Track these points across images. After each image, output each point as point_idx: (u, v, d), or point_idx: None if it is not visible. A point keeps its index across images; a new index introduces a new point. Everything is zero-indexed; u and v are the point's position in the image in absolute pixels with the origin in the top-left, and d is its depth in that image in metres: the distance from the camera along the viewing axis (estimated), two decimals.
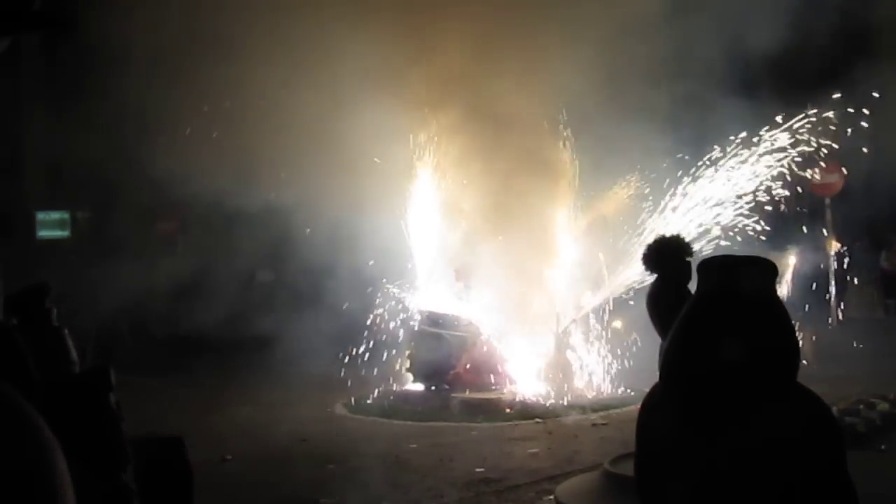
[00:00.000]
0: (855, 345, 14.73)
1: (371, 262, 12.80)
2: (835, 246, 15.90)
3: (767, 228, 12.16)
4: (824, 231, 15.75)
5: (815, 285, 15.48)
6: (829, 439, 2.37)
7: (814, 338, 13.67)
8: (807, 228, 14.77)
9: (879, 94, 12.72)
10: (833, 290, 16.07)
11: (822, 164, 13.28)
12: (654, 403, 2.67)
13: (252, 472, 8.69)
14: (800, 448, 2.33)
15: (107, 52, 11.81)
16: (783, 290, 14.20)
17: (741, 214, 11.96)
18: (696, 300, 2.58)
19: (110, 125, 12.48)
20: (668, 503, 2.52)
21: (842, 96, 12.38)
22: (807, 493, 2.32)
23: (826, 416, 2.40)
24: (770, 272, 2.54)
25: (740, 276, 2.54)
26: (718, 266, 2.65)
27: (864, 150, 13.10)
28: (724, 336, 2.40)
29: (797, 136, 11.98)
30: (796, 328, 2.54)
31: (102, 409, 2.85)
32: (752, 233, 11.97)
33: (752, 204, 12.01)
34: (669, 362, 2.62)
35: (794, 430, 2.34)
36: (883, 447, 8.61)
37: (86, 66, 12.45)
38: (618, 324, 12.45)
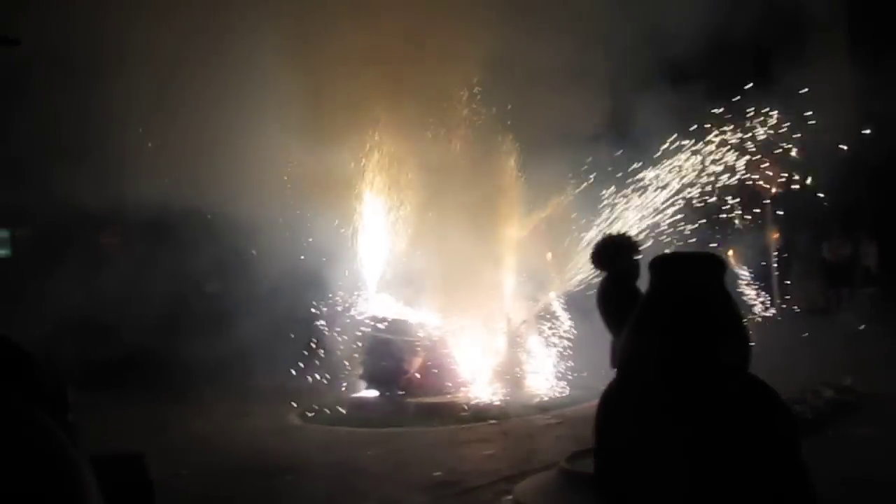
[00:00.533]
0: (799, 334, 15.08)
1: (321, 271, 12.76)
2: (777, 239, 16.22)
3: (704, 221, 12.35)
4: (767, 224, 16.06)
5: (760, 276, 15.82)
6: (785, 426, 2.44)
7: (759, 329, 13.96)
8: (750, 222, 15.03)
9: (819, 87, 13.00)
10: (776, 281, 16.39)
11: (764, 158, 13.53)
12: (612, 399, 2.72)
13: (207, 486, 8.59)
14: (757, 436, 2.39)
15: (42, 65, 11.60)
16: (736, 282, 14.51)
17: (683, 210, 12.13)
18: (650, 296, 2.64)
19: (49, 141, 12.27)
20: (630, 498, 2.56)
21: (782, 91, 12.63)
22: (765, 479, 2.39)
23: (780, 404, 2.47)
24: (719, 266, 2.61)
25: (691, 271, 2.61)
26: (670, 262, 2.71)
27: (797, 147, 13.35)
28: (675, 331, 2.46)
29: (739, 131, 12.19)
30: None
31: (61, 427, 2.81)
32: (690, 230, 12.14)
33: (697, 200, 12.18)
34: (626, 358, 2.68)
35: (750, 418, 2.41)
36: (831, 433, 8.81)
37: (20, 80, 12.21)
38: (566, 322, 12.55)
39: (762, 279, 16.23)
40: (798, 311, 16.28)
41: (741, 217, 13.70)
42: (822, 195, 15.49)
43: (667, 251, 3.25)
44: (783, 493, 2.39)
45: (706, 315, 2.51)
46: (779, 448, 2.39)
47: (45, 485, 1.30)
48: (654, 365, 2.51)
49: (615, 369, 2.77)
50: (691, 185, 12.08)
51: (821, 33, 15.79)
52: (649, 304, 2.63)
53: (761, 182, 14.63)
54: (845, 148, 13.80)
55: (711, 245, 12.28)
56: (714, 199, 12.23)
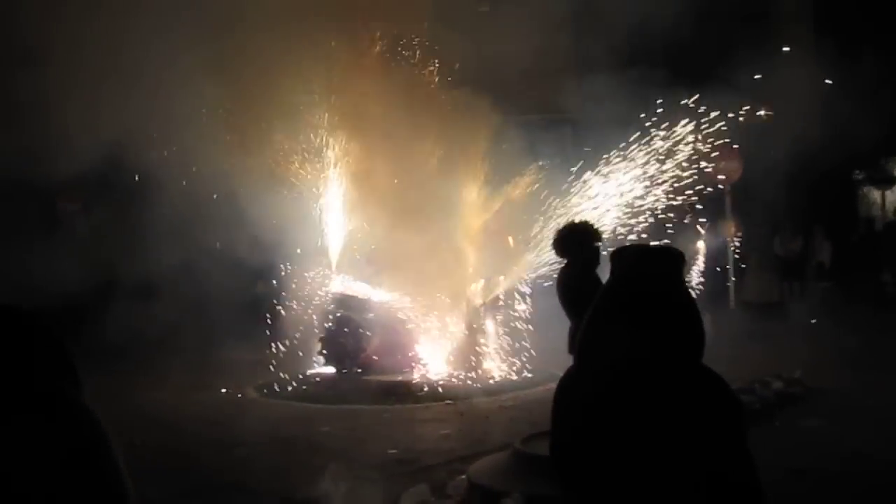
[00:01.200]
0: (751, 326, 15.35)
1: (283, 246, 12.74)
2: (733, 232, 16.45)
3: (670, 215, 12.49)
4: (721, 218, 16.26)
5: (717, 269, 16.06)
6: (733, 415, 2.53)
7: (713, 320, 14.19)
8: (708, 215, 15.22)
9: (777, 79, 13.19)
10: (731, 274, 16.64)
11: (722, 151, 13.70)
12: (569, 385, 2.80)
13: (161, 459, 8.55)
14: (705, 423, 2.49)
15: None
16: (693, 275, 14.72)
17: (642, 204, 12.26)
18: (609, 285, 2.72)
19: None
20: (585, 480, 2.64)
21: (741, 82, 12.79)
22: (711, 465, 2.48)
23: (728, 394, 2.57)
24: (678, 259, 2.70)
25: (650, 263, 2.69)
26: (629, 254, 2.80)
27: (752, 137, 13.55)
28: (633, 320, 2.55)
29: (697, 122, 12.32)
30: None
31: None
32: (653, 220, 12.28)
33: (656, 192, 12.31)
34: (584, 346, 2.76)
35: (701, 407, 2.50)
36: (778, 424, 9.03)
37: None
38: (524, 306, 12.65)
39: (721, 271, 16.47)
40: (752, 303, 16.52)
41: (695, 217, 13.85)
42: (778, 190, 15.75)
43: (628, 243, 3.34)
44: (728, 478, 2.50)
45: (664, 306, 2.60)
46: (725, 435, 2.49)
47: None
48: (612, 353, 2.59)
49: (572, 355, 2.85)
50: (650, 176, 12.20)
51: (789, 33, 16.00)
52: (609, 293, 2.72)
53: (720, 174, 14.82)
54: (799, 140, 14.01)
55: (668, 234, 12.43)
56: (672, 191, 12.35)
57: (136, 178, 12.50)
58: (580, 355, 2.77)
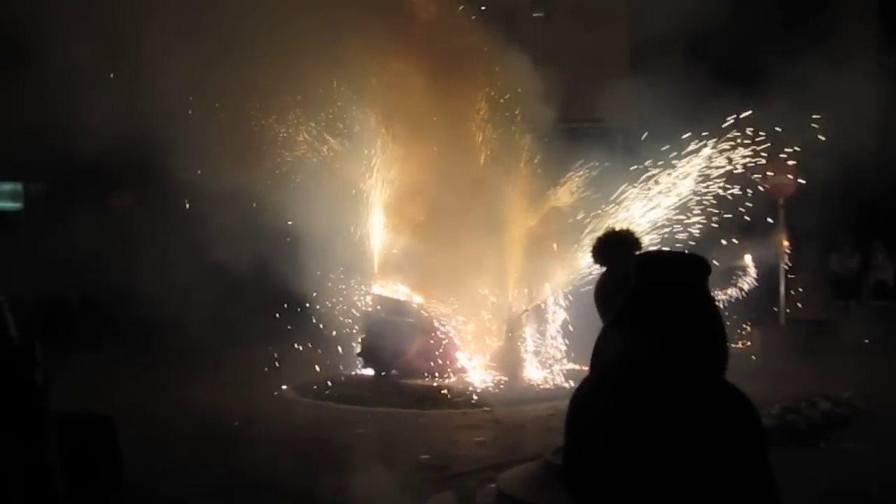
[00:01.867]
0: (802, 345, 14.98)
1: (328, 249, 12.73)
2: (785, 247, 16.07)
3: (716, 226, 12.26)
4: (774, 233, 15.91)
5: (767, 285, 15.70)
6: (752, 438, 2.40)
7: (763, 337, 13.89)
8: (761, 229, 14.91)
9: (835, 93, 12.86)
10: (783, 290, 16.26)
11: (776, 165, 13.43)
12: (584, 396, 2.68)
13: (195, 454, 8.60)
14: (724, 446, 2.36)
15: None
16: (743, 287, 14.40)
17: (693, 212, 12.05)
18: (630, 295, 2.60)
19: (64, 95, 12.22)
20: (598, 495, 2.53)
21: (797, 96, 12.49)
22: (728, 487, 2.35)
23: (750, 413, 2.43)
24: (701, 269, 2.56)
25: (674, 272, 2.56)
26: (653, 262, 2.67)
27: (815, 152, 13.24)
28: (652, 330, 2.42)
29: (751, 136, 12.08)
30: (748, 327, 2.57)
31: (25, 385, 2.79)
32: (697, 232, 12.06)
33: (706, 203, 12.09)
34: (601, 356, 2.64)
35: (717, 425, 2.37)
36: (823, 445, 8.76)
37: (31, 31, 12.16)
38: (566, 314, 12.49)
39: (772, 287, 16.11)
40: (803, 321, 16.13)
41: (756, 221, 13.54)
42: (834, 206, 15.37)
43: (651, 249, 3.21)
44: (746, 500, 2.36)
45: (687, 317, 2.46)
46: (744, 455, 2.36)
47: None
48: (628, 364, 2.47)
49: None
50: (705, 183, 11.98)
51: (847, 36, 15.62)
52: (630, 303, 2.59)
53: (774, 189, 14.52)
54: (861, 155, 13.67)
55: (723, 243, 12.18)
56: (727, 198, 12.12)
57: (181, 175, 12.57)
58: (596, 364, 2.66)
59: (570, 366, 12.56)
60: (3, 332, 5.25)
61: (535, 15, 17.18)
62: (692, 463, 2.36)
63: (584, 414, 2.67)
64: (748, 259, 14.65)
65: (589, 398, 2.67)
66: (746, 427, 2.41)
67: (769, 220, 15.33)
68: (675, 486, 2.38)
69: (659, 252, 2.82)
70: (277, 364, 13.01)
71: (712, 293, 2.65)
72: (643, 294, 2.58)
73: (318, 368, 12.56)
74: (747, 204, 12.50)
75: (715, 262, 2.88)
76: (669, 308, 2.49)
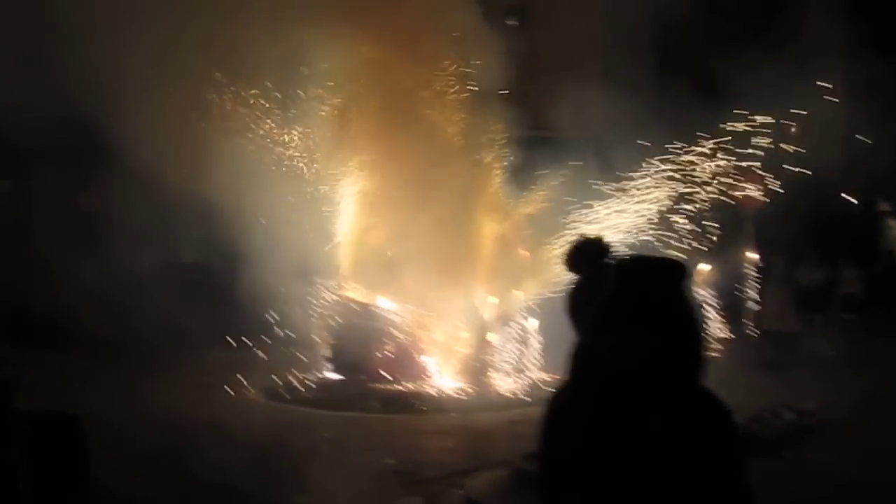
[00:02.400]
0: (767, 356, 15.09)
1: (294, 248, 12.65)
2: (752, 258, 16.19)
3: (688, 238, 12.34)
4: (741, 244, 16.03)
5: (733, 294, 15.81)
6: (728, 442, 2.39)
7: (728, 346, 13.94)
8: (728, 240, 15.02)
9: (805, 105, 13.01)
10: (749, 301, 16.38)
11: (745, 176, 13.53)
12: (560, 401, 2.67)
13: (162, 456, 8.48)
14: (699, 448, 2.35)
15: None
16: (708, 300, 14.47)
17: (660, 222, 12.12)
18: (607, 299, 2.59)
19: (29, 87, 12.06)
20: (575, 497, 2.51)
21: (767, 108, 12.62)
22: (705, 494, 2.34)
23: (725, 420, 2.42)
24: (679, 273, 2.56)
25: (649, 275, 2.55)
26: (629, 266, 2.67)
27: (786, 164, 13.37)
28: (629, 333, 2.41)
29: (721, 147, 12.18)
30: (708, 336, 2.56)
31: None
32: (666, 241, 12.13)
33: (673, 214, 12.17)
34: (578, 359, 2.63)
35: (694, 430, 2.36)
36: (787, 456, 8.81)
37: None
38: (535, 322, 12.49)
39: (738, 298, 16.23)
40: (769, 332, 16.24)
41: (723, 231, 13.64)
42: (802, 218, 15.53)
43: (629, 254, 3.21)
44: (727, 498, 2.36)
45: (663, 318, 2.46)
46: (720, 459, 2.35)
47: None
48: (606, 367, 2.46)
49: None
50: (671, 198, 12.06)
51: (814, 52, 15.81)
52: (608, 305, 2.58)
53: (743, 200, 14.62)
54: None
55: (688, 259, 12.24)
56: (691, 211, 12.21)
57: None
58: (574, 368, 2.64)
59: (539, 373, 12.56)
60: None
61: (508, 23, 17.27)
62: (666, 467, 2.36)
63: (562, 415, 2.66)
64: (706, 268, 14.72)
65: (567, 400, 2.65)
66: (726, 429, 2.41)
67: (734, 231, 15.45)
68: (649, 491, 2.37)
69: (637, 256, 2.82)
70: (243, 367, 12.89)
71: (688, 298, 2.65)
72: (621, 298, 2.57)
73: (282, 372, 12.44)
74: (710, 217, 12.59)
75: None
76: (647, 310, 2.48)
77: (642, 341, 2.40)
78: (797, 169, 13.44)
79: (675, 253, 11.93)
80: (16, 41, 10.90)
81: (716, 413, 2.40)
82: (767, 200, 15.59)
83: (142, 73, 11.48)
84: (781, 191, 14.64)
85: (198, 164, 11.84)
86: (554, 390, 2.74)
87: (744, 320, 15.82)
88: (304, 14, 11.70)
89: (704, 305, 13.92)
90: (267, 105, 12.74)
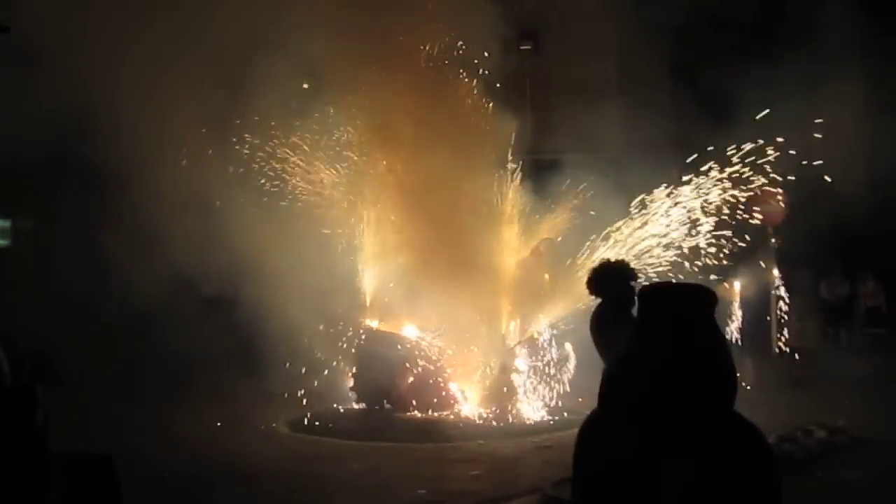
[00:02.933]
0: (795, 373, 14.98)
1: (319, 281, 12.70)
2: (776, 275, 16.09)
3: (710, 256, 12.28)
4: (764, 261, 15.93)
5: (758, 314, 15.69)
6: (765, 466, 2.37)
7: (755, 365, 13.86)
8: (749, 258, 14.93)
9: (824, 120, 12.96)
10: (774, 319, 16.26)
11: (765, 192, 13.48)
12: (593, 427, 2.66)
13: (188, 492, 8.50)
14: (736, 471, 2.33)
15: (41, 51, 11.56)
16: (733, 319, 14.40)
17: (683, 244, 12.07)
18: (637, 325, 2.58)
19: (54, 130, 12.23)
20: None
21: (787, 124, 12.58)
22: None
23: (761, 442, 2.41)
24: (709, 299, 2.55)
25: (679, 301, 2.54)
26: (658, 292, 2.66)
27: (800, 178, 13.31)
28: (662, 360, 2.40)
29: (742, 162, 12.14)
30: (737, 356, 2.55)
31: (25, 426, 2.75)
32: (689, 260, 12.07)
33: (696, 233, 12.12)
34: (610, 386, 2.62)
35: (731, 453, 2.34)
36: (820, 474, 8.71)
37: (21, 68, 12.19)
38: (567, 346, 12.44)
39: (763, 316, 16.10)
40: (796, 349, 16.12)
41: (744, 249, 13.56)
42: (822, 233, 15.43)
43: (656, 281, 3.20)
44: None
45: (692, 347, 2.45)
46: (757, 486, 2.33)
47: None
48: (637, 396, 2.44)
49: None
50: (694, 211, 12.01)
51: (836, 67, 15.77)
52: (636, 334, 2.58)
53: (764, 216, 14.55)
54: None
55: (712, 278, 12.17)
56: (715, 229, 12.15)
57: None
58: (605, 396, 2.63)
59: (564, 398, 12.50)
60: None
61: (522, 48, 17.35)
62: (702, 496, 2.34)
63: (590, 446, 2.65)
64: (735, 287, 14.65)
65: (598, 429, 2.64)
66: (758, 457, 2.39)
67: (759, 247, 15.36)
68: None
69: (665, 283, 2.81)
70: (269, 399, 12.93)
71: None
72: (649, 325, 2.56)
73: (307, 403, 12.47)
74: (732, 234, 12.54)
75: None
76: (675, 338, 2.47)
77: (672, 372, 2.39)
78: (818, 182, 13.36)
79: (698, 272, 11.87)
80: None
81: (752, 440, 2.38)
82: (788, 215, 15.55)
83: (172, 112, 11.66)
84: (803, 205, 14.60)
85: (219, 197, 11.98)
86: (585, 417, 2.73)
87: (771, 338, 15.69)
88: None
89: (730, 324, 13.87)
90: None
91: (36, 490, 2.76)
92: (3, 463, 2.12)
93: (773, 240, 15.89)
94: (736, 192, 12.16)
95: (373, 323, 13.04)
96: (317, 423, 11.89)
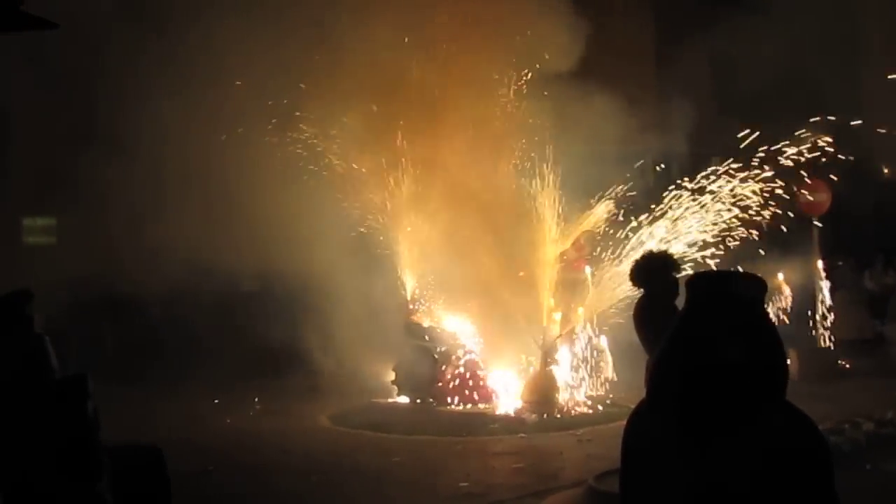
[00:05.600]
0: (842, 364, 14.77)
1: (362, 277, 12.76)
2: (820, 266, 15.86)
3: (757, 246, 12.15)
4: (812, 250, 15.73)
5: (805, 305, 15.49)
6: (819, 455, 2.33)
7: (801, 357, 13.68)
8: (795, 248, 14.76)
9: (866, 110, 12.76)
10: (820, 309, 16.05)
11: (810, 182, 13.32)
12: (640, 418, 2.63)
13: (233, 484, 8.61)
14: (790, 463, 2.30)
15: (94, 56, 11.74)
16: (782, 308, 14.24)
17: (727, 234, 11.94)
18: (686, 311, 2.54)
19: (101, 131, 12.42)
20: None
21: (829, 115, 12.41)
22: None
23: (815, 433, 2.37)
24: (760, 285, 2.51)
25: (730, 286, 2.51)
26: (709, 277, 2.63)
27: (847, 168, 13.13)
28: (713, 344, 2.37)
29: (785, 152, 12.00)
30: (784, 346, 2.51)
31: (79, 417, 2.79)
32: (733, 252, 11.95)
33: (739, 224, 11.99)
34: (659, 374, 2.59)
35: (785, 444, 2.31)
36: (868, 467, 8.58)
37: (70, 71, 12.39)
38: (602, 340, 12.38)
39: (808, 306, 15.91)
40: (842, 340, 15.89)
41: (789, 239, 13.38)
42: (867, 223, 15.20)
43: (702, 270, 3.17)
44: None
45: (744, 336, 2.41)
46: (812, 479, 2.29)
47: None
48: (685, 387, 2.41)
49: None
50: (740, 207, 11.88)
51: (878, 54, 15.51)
52: (684, 323, 2.54)
53: (809, 206, 14.38)
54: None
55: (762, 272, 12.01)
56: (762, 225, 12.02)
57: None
58: (653, 385, 2.60)
59: (606, 390, 12.45)
60: (47, 366, 5.29)
61: None
62: (754, 490, 2.31)
63: (639, 436, 2.62)
64: (780, 277, 14.46)
65: (645, 420, 2.61)
66: (813, 449, 2.35)
67: (803, 238, 15.18)
68: None
69: (712, 271, 2.77)
70: (313, 392, 13.03)
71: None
72: (697, 313, 2.52)
73: (353, 397, 12.55)
74: (780, 225, 12.39)
75: None
76: (725, 327, 2.43)
77: (722, 362, 2.35)
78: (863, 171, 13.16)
79: (741, 264, 11.74)
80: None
81: (806, 431, 2.34)
82: (833, 205, 15.35)
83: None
84: (847, 195, 14.40)
85: (263, 193, 12.08)
86: (632, 409, 2.70)
87: (816, 329, 15.48)
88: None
89: (778, 315, 13.72)
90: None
91: (88, 480, 2.80)
92: (56, 452, 2.16)
93: (817, 230, 15.69)
94: (780, 182, 12.02)
95: (414, 317, 13.06)
96: (360, 417, 11.94)
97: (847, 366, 14.85)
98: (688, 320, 2.47)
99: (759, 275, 2.59)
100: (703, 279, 2.53)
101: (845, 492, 2.34)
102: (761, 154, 11.95)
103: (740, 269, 2.70)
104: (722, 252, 11.76)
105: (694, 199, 11.81)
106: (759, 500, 2.28)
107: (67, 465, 2.60)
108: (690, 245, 11.71)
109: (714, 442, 2.33)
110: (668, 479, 2.39)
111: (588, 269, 12.42)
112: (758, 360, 2.36)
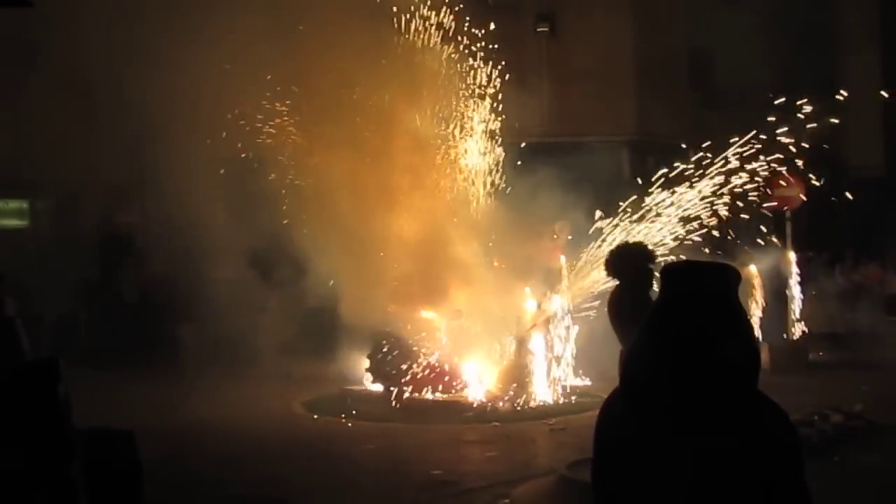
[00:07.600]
0: (811, 357, 14.94)
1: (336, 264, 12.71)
2: (792, 259, 16.01)
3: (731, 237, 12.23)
4: (782, 243, 15.86)
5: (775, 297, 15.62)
6: (791, 447, 2.36)
7: (772, 348, 13.82)
8: (766, 241, 14.87)
9: (843, 104, 12.86)
10: (790, 302, 16.20)
11: (783, 176, 13.40)
12: (613, 408, 2.64)
13: (206, 470, 8.57)
14: (764, 454, 2.32)
15: (70, 32, 11.58)
16: (756, 300, 14.36)
17: (700, 226, 12.01)
18: (660, 303, 2.55)
19: (74, 113, 12.27)
20: None
21: (804, 107, 12.48)
22: (768, 501, 2.31)
23: (787, 424, 2.39)
24: (733, 277, 2.53)
25: (704, 278, 2.52)
26: (682, 270, 2.63)
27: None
28: (684, 341, 2.38)
29: (756, 147, 12.06)
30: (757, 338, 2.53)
31: (49, 401, 2.77)
32: (706, 244, 12.03)
33: (712, 217, 12.05)
34: (632, 365, 2.60)
35: (757, 435, 2.33)
36: (836, 459, 8.69)
37: (45, 50, 12.21)
38: (576, 328, 12.43)
39: (779, 299, 16.04)
40: (813, 333, 16.06)
41: (760, 233, 13.50)
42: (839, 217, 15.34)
43: (676, 260, 3.18)
44: None
45: (717, 326, 2.43)
46: (782, 468, 2.32)
47: None
48: (659, 376, 2.43)
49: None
50: (714, 195, 11.94)
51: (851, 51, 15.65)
52: (658, 311, 2.56)
53: (781, 200, 14.48)
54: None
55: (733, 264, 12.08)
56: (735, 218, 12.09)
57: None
58: (626, 377, 2.62)
59: (579, 380, 12.51)
60: (17, 349, 5.25)
61: (539, 30, 17.26)
62: (724, 478, 2.33)
63: (609, 428, 2.63)
64: (753, 270, 14.57)
65: (617, 411, 2.62)
66: (784, 438, 2.37)
67: (774, 233, 15.29)
68: (707, 499, 2.34)
69: (686, 261, 2.78)
70: (286, 380, 13.01)
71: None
72: (671, 302, 2.54)
73: (326, 384, 12.53)
74: (749, 218, 12.48)
75: None
76: (699, 316, 2.45)
77: (695, 351, 2.37)
78: (835, 164, 13.27)
79: (713, 255, 11.83)
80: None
81: (777, 421, 2.37)
82: (805, 199, 15.47)
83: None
84: (819, 190, 14.52)
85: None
86: (604, 398, 2.71)
87: (788, 321, 15.64)
88: None
89: (750, 307, 13.82)
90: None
91: (58, 463, 2.78)
92: (26, 435, 2.14)
93: (789, 224, 15.82)
94: (754, 176, 12.09)
95: (389, 305, 13.03)
96: (334, 405, 11.94)
97: (819, 356, 15.05)
98: (659, 314, 2.49)
99: (732, 265, 2.61)
100: (675, 272, 2.54)
101: (815, 483, 2.37)
102: (738, 150, 12.02)
103: (712, 260, 2.72)
104: (700, 239, 11.84)
105: (672, 192, 11.86)
106: (744, 491, 2.31)
107: (37, 448, 2.58)
108: (661, 241, 11.76)
109: (688, 434, 2.34)
110: (653, 471, 2.40)
111: (563, 259, 12.43)
112: (734, 351, 2.38)
